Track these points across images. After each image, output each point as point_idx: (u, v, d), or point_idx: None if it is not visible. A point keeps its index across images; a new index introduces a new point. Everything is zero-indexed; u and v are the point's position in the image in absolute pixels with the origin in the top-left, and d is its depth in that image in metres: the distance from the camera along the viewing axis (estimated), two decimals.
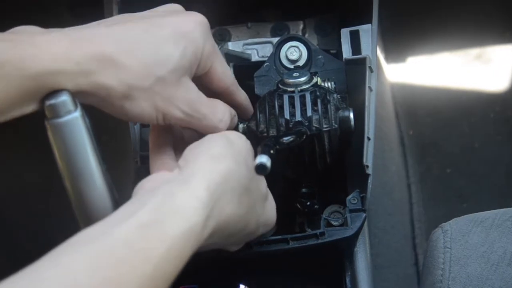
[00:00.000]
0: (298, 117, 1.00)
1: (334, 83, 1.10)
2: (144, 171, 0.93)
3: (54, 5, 2.05)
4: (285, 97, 1.01)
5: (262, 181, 0.91)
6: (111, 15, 1.17)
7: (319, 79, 1.07)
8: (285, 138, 0.97)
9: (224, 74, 0.95)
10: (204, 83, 0.94)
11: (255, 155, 0.87)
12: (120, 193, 0.87)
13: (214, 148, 0.84)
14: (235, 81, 0.99)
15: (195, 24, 0.88)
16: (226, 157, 0.84)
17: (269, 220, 0.97)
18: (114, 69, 0.81)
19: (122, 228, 0.71)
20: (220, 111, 0.93)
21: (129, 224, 0.72)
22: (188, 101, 0.88)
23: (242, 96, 1.02)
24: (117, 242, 0.70)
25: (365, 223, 1.09)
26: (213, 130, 0.92)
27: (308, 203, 1.10)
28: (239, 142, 0.89)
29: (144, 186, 0.82)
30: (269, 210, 0.95)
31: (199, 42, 0.87)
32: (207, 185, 0.79)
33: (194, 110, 0.89)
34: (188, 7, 0.93)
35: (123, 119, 0.87)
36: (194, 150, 0.85)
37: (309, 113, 1.00)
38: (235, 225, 0.86)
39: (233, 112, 0.98)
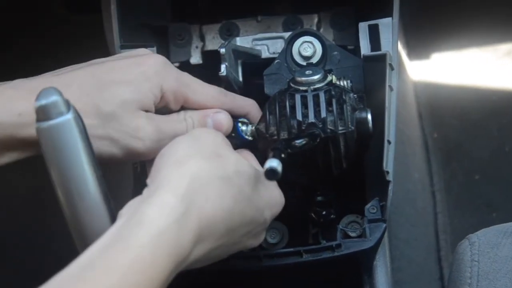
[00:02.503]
0: (311, 119, 1.00)
1: (351, 82, 1.09)
2: (144, 178, 0.93)
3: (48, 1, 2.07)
4: (297, 97, 1.01)
5: (243, 166, 0.92)
6: (108, 8, 1.17)
7: (334, 77, 1.07)
8: (297, 141, 0.97)
9: (203, 99, 1.03)
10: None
11: (265, 160, 0.87)
12: (118, 202, 0.87)
13: (178, 152, 0.89)
14: (220, 96, 1.05)
15: (148, 66, 0.97)
16: (191, 156, 0.88)
17: (272, 201, 0.96)
18: None
19: (86, 254, 0.77)
20: (189, 118, 1.01)
21: (93, 248, 0.77)
22: (150, 130, 0.96)
23: (235, 102, 1.06)
24: (80, 267, 0.75)
25: (385, 235, 1.08)
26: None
27: (324, 213, 1.09)
28: (205, 136, 0.94)
29: (121, 216, 0.84)
30: (266, 190, 0.95)
31: (153, 82, 0.97)
32: (173, 191, 0.83)
33: (159, 133, 0.96)
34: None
35: None
36: (159, 162, 0.89)
37: (323, 114, 1.00)
38: (227, 219, 0.88)
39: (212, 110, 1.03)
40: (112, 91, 0.94)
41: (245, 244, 0.96)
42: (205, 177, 0.86)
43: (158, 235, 0.78)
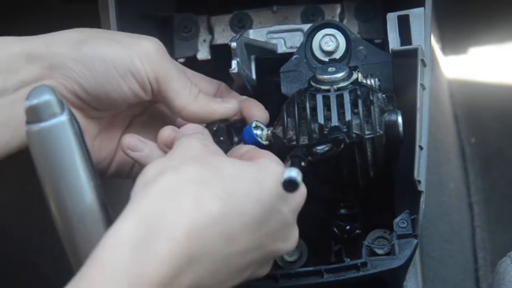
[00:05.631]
0: (334, 122, 1.00)
1: (379, 80, 1.09)
2: None
3: None
4: (319, 97, 1.01)
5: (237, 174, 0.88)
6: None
7: (360, 75, 1.07)
8: (319, 148, 0.97)
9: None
10: None
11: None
12: (115, 212, 0.87)
13: (148, 172, 0.85)
14: None
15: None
16: (162, 172, 0.84)
17: (287, 238, 0.93)
18: None
19: None
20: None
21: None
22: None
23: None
24: None
25: (417, 252, 1.08)
26: None
27: (348, 227, 1.09)
28: (187, 143, 0.92)
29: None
30: (288, 236, 0.93)
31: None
32: (131, 213, 0.80)
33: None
34: None
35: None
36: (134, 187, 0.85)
37: (348, 116, 1.00)
38: (219, 222, 0.83)
39: None
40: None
41: (257, 275, 0.94)
42: (174, 185, 0.82)
43: (111, 275, 0.75)
